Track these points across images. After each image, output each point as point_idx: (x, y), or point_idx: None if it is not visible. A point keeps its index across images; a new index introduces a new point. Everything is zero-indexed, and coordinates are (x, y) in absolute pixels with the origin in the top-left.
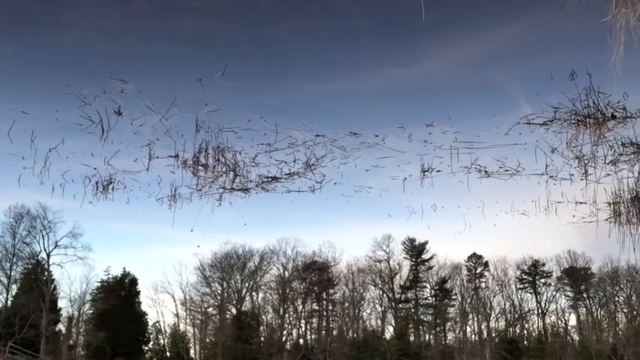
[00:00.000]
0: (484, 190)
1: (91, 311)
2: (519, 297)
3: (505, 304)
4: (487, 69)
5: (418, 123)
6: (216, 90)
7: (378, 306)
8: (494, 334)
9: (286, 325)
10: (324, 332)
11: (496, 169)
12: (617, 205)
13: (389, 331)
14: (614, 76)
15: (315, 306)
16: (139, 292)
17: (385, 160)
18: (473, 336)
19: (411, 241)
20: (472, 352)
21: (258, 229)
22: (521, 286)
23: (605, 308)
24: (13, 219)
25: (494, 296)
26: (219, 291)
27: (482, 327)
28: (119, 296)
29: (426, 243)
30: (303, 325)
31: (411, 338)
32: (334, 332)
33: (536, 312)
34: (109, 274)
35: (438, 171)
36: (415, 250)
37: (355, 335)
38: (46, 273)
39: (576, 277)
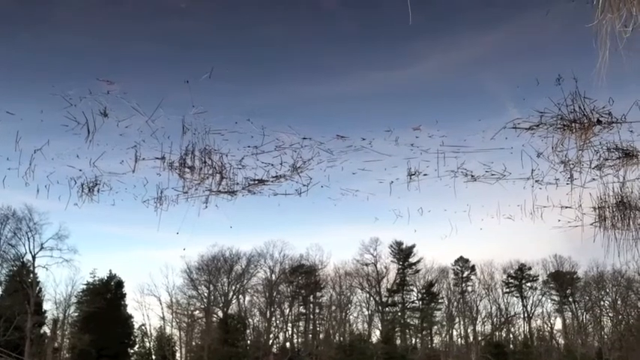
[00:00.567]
0: (470, 194)
1: (76, 314)
2: (505, 301)
3: (491, 308)
4: (474, 73)
5: (405, 127)
6: (203, 92)
7: (364, 309)
8: (480, 338)
9: (273, 329)
10: (310, 335)
11: (482, 173)
12: (602, 210)
13: (375, 335)
14: (599, 82)
15: (302, 309)
16: (125, 294)
17: (372, 164)
18: (459, 339)
19: (398, 244)
20: (458, 356)
21: (245, 231)
22: (508, 289)
23: (590, 312)
24: None
25: (480, 300)
26: (205, 294)
27: (469, 330)
28: (105, 299)
29: (413, 246)
30: (289, 329)
31: (398, 342)
32: (321, 335)
33: (522, 316)
34: (94, 276)
35: (424, 175)
36: (402, 254)
37: (342, 339)
38: (32, 275)
39: (562, 281)
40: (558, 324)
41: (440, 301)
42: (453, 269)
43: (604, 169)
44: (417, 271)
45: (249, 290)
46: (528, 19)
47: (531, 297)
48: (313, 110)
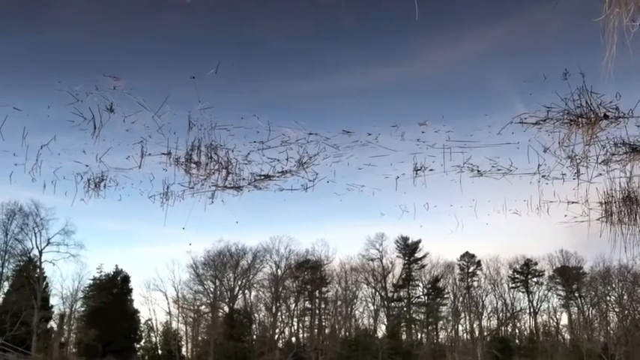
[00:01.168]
0: (476, 189)
1: (82, 309)
2: (511, 296)
3: (497, 303)
4: (480, 68)
5: (411, 122)
6: (208, 88)
7: (370, 304)
8: (486, 333)
9: (278, 324)
10: (316, 330)
11: (488, 168)
12: (609, 205)
13: (381, 330)
14: (606, 76)
15: (307, 304)
16: (131, 289)
17: (378, 159)
18: (465, 335)
19: (404, 239)
20: (464, 351)
21: (251, 227)
22: (514, 285)
23: (596, 307)
24: (5, 216)
25: (486, 295)
26: (211, 289)
27: (474, 326)
28: (111, 294)
29: (418, 242)
30: (295, 324)
31: (403, 337)
32: (326, 330)
33: (528, 311)
34: (101, 271)
35: (430, 170)
36: (408, 249)
37: (347, 334)
38: (38, 270)
39: (568, 276)
40: (564, 319)
41: (445, 296)
42: (459, 264)
43: (611, 164)
44: (423, 267)
45: (255, 285)
46: (535, 13)
47: (537, 292)
48: (319, 106)
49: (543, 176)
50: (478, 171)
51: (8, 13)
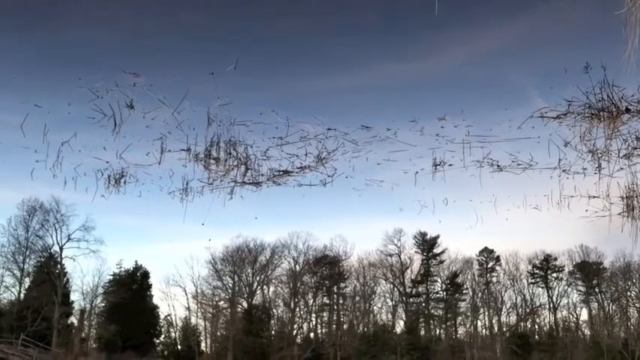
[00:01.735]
0: (496, 184)
1: (102, 304)
2: (531, 291)
3: (516, 299)
4: (500, 62)
5: (430, 117)
6: (227, 84)
7: (388, 300)
8: (505, 329)
9: (297, 319)
10: (334, 326)
11: (509, 162)
12: (630, 200)
13: (399, 326)
14: (628, 69)
15: (325, 300)
16: (151, 285)
17: (397, 154)
18: (484, 330)
19: (423, 235)
20: (483, 347)
21: (269, 222)
22: (533, 280)
23: (616, 303)
24: (27, 212)
25: (505, 291)
26: (230, 284)
27: (493, 321)
28: (131, 289)
29: (437, 237)
30: (313, 319)
31: (422, 332)
32: (345, 326)
33: (547, 306)
34: (120, 267)
35: (450, 165)
36: (426, 244)
37: (366, 329)
38: (59, 266)
39: (588, 271)
40: (584, 315)
41: (464, 291)
42: (478, 260)
43: (632, 158)
44: (442, 262)
45: (273, 281)
46: (555, 7)
47: (557, 288)
48: (338, 101)
49: (564, 171)
50: (498, 166)
51: (29, 11)
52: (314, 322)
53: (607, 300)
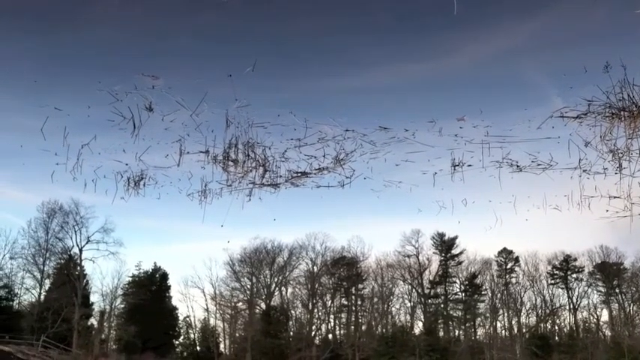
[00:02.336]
0: (516, 184)
1: (122, 306)
2: (550, 292)
3: (536, 300)
4: (518, 62)
5: (449, 117)
6: (245, 86)
7: (407, 301)
8: (524, 330)
9: (315, 320)
10: (352, 327)
11: (528, 163)
12: None
13: (418, 327)
14: None
15: (343, 301)
16: (170, 286)
17: (415, 155)
18: (503, 331)
19: (441, 236)
20: (502, 348)
21: (287, 224)
22: (553, 281)
23: (638, 304)
24: (46, 214)
25: (524, 291)
26: (248, 286)
27: (513, 322)
28: (150, 291)
29: (455, 238)
30: (331, 320)
31: (441, 334)
32: (363, 327)
33: (567, 307)
34: (140, 269)
35: (469, 165)
36: (445, 245)
37: (384, 330)
38: (79, 268)
39: (608, 272)
40: (605, 315)
41: (483, 292)
42: (497, 261)
43: None
44: (460, 263)
45: (291, 282)
46: (573, 6)
47: (577, 288)
48: (356, 102)
49: (584, 171)
50: (517, 166)
51: (49, 15)
52: (332, 324)
53: (628, 301)
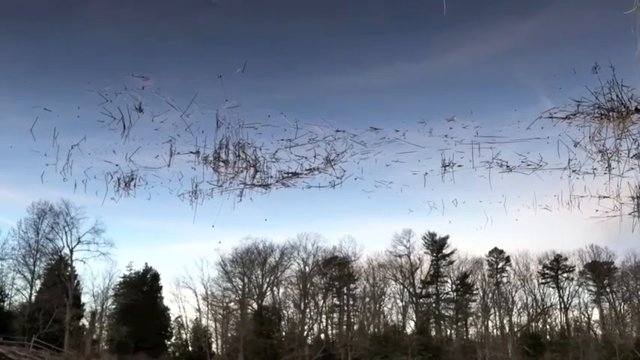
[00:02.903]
0: (506, 184)
1: (113, 306)
2: (541, 291)
3: (527, 299)
4: (508, 63)
5: (439, 118)
6: (236, 86)
7: (398, 301)
8: (516, 329)
9: (307, 320)
10: (345, 327)
11: (518, 163)
12: None
13: (410, 326)
14: (638, 69)
15: (335, 301)
16: (161, 287)
17: (406, 155)
18: (495, 331)
19: (432, 235)
20: (494, 347)
21: (278, 224)
22: (544, 280)
23: (628, 303)
24: (37, 215)
25: (516, 291)
26: (240, 286)
27: (504, 322)
28: (141, 291)
29: (446, 238)
30: (324, 320)
31: (433, 333)
32: (355, 327)
33: (558, 306)
34: (131, 269)
35: (459, 166)
36: (436, 245)
37: (376, 330)
38: (69, 268)
39: (599, 271)
40: (595, 314)
41: (474, 292)
42: (488, 260)
43: None
44: (451, 263)
45: (283, 282)
46: (563, 7)
47: (568, 288)
48: (346, 102)
49: (574, 171)
50: (507, 166)
51: (39, 15)
52: (324, 323)
53: (618, 300)
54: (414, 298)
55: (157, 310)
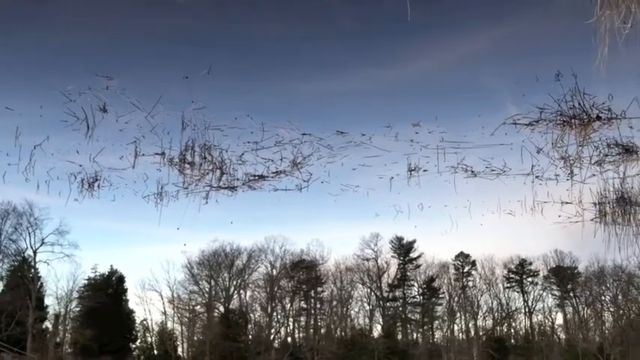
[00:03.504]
0: (471, 189)
1: (78, 309)
2: (506, 296)
3: (492, 303)
4: (473, 69)
5: (405, 123)
6: (202, 88)
7: (365, 304)
8: (481, 333)
9: (274, 324)
10: (312, 330)
11: (482, 168)
12: (602, 206)
13: (377, 330)
14: (599, 78)
15: (303, 304)
16: (127, 289)
17: (372, 159)
18: (460, 334)
19: (399, 239)
20: (459, 351)
21: (246, 227)
22: (509, 284)
23: (591, 307)
24: None
25: (481, 295)
26: (207, 289)
27: (470, 325)
28: (106, 294)
29: (413, 242)
30: (291, 324)
31: (399, 337)
32: (322, 330)
33: (523, 311)
34: (96, 271)
35: (424, 170)
36: (403, 249)
37: (343, 334)
38: (33, 270)
39: (563, 276)
40: (559, 319)
41: (441, 296)
42: (454, 264)
43: (604, 164)
44: (418, 266)
45: (250, 285)
46: (528, 15)
47: (532, 292)
48: (313, 106)
49: (537, 177)
50: (472, 171)
51: (1, 14)
52: (291, 327)
53: (582, 304)
54: (381, 302)
55: (122, 313)
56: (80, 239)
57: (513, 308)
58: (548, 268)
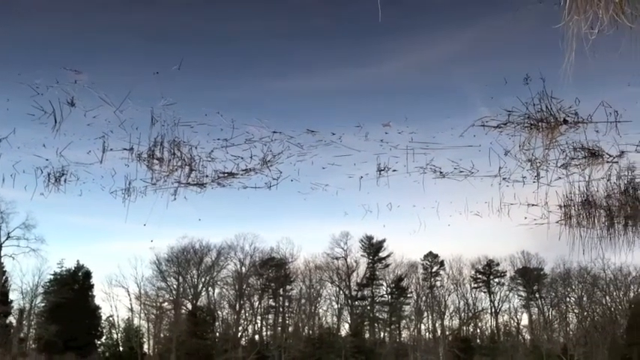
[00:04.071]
0: (439, 190)
1: (43, 304)
2: (473, 296)
3: (459, 303)
4: (444, 71)
5: (375, 123)
6: (172, 84)
7: (334, 303)
8: (448, 333)
9: (242, 321)
10: (279, 329)
11: (451, 169)
12: (567, 208)
13: (344, 328)
14: (566, 82)
15: (271, 302)
16: (93, 285)
17: (342, 159)
18: (427, 334)
19: (369, 239)
20: (426, 350)
21: (215, 224)
22: (476, 285)
23: (556, 308)
24: None
25: (449, 295)
26: (174, 285)
27: (437, 325)
28: (72, 289)
29: (383, 241)
30: (258, 322)
31: (366, 335)
32: (290, 329)
33: (489, 311)
34: (62, 266)
35: (393, 170)
36: (372, 248)
37: (311, 332)
38: None
39: (529, 277)
40: (525, 319)
41: (409, 295)
42: (423, 264)
43: (570, 168)
44: (387, 266)
45: (218, 283)
46: (498, 19)
47: (499, 292)
48: (284, 104)
49: (504, 179)
50: (440, 172)
51: None
52: (259, 325)
53: (547, 305)
54: (349, 301)
55: (88, 309)
56: (47, 234)
57: (480, 308)
58: (515, 269)
